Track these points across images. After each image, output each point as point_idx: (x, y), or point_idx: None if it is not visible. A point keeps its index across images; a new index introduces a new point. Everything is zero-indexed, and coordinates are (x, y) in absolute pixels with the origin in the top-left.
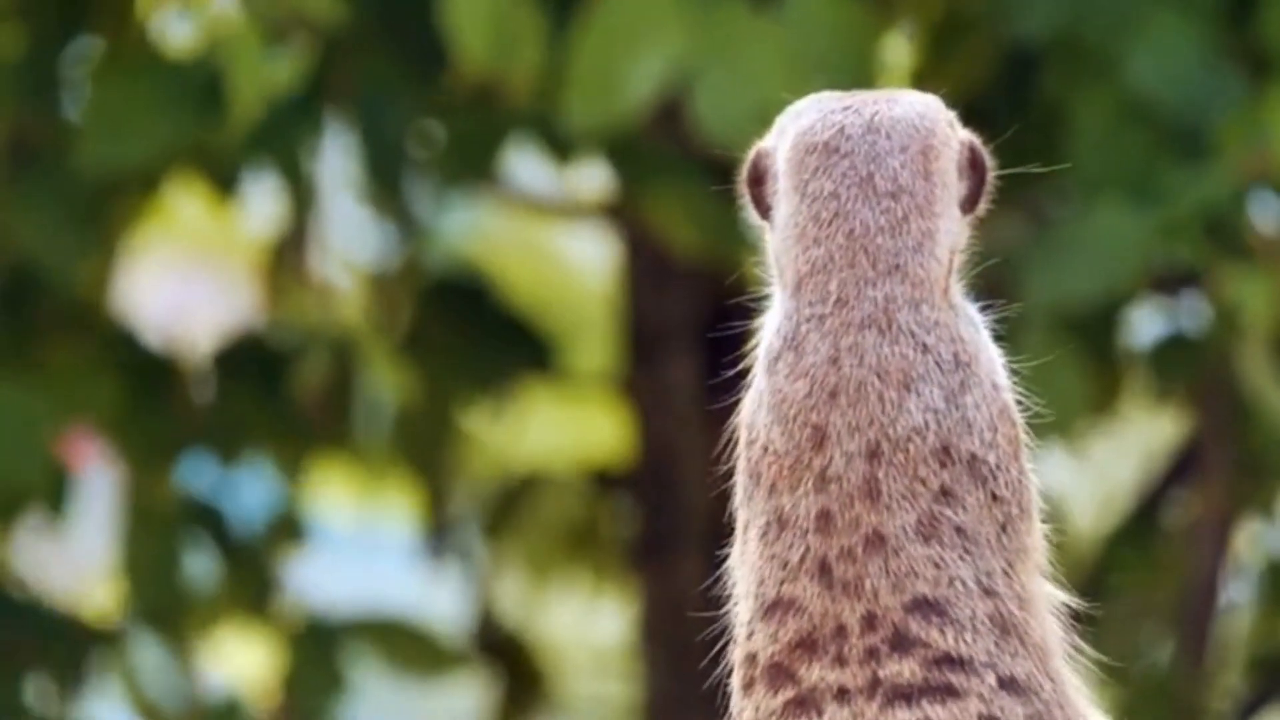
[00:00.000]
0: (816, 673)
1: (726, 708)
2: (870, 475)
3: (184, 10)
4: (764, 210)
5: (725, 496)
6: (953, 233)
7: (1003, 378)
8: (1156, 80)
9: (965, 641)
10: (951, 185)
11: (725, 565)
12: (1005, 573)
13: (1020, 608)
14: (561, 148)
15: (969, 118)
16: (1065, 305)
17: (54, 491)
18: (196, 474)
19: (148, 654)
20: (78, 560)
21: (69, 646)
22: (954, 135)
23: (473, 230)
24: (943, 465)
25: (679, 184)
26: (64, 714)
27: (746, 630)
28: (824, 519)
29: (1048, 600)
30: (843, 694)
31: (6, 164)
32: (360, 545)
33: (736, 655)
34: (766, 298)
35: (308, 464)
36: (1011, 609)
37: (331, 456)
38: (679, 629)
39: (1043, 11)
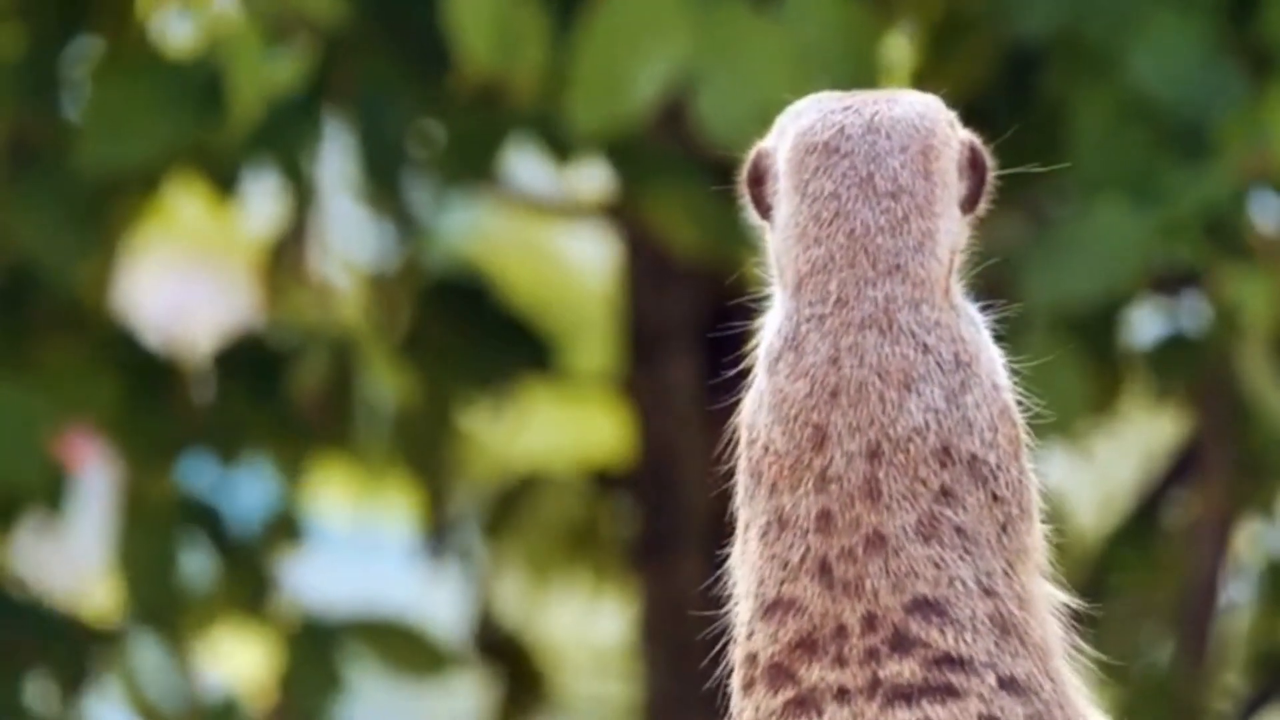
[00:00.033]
0: (816, 673)
1: (726, 708)
2: (871, 475)
3: (184, 10)
4: (764, 210)
5: (725, 496)
6: (953, 232)
7: (1003, 378)
8: (1157, 79)
9: (965, 641)
10: (952, 185)
11: (725, 565)
12: (1005, 573)
13: (1020, 608)
14: (561, 147)
15: (969, 118)
16: (1065, 305)
17: (53, 491)
18: (195, 474)
19: (146, 654)
20: (77, 560)
21: (69, 646)
22: (954, 135)
23: (473, 230)
24: (943, 465)
25: (679, 184)
26: (64, 714)
27: (746, 630)
28: (824, 519)
29: (1048, 600)
30: (843, 694)
31: (6, 164)
32: (359, 545)
33: (737, 655)
34: (767, 298)
35: (307, 464)
36: (1011, 609)
37: (330, 456)
38: (679, 629)
39: (1043, 11)
